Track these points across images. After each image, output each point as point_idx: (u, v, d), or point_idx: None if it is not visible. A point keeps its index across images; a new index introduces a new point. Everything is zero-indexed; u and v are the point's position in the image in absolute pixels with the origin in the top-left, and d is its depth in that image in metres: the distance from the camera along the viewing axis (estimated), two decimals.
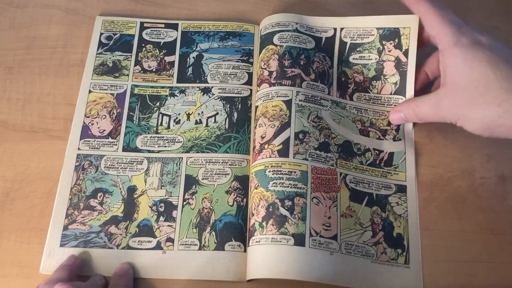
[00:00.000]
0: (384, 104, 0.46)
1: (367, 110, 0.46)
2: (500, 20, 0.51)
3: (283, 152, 0.42)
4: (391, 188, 0.43)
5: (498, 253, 0.41)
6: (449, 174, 0.44)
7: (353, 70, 0.47)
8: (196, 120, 0.46)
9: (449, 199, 0.43)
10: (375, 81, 0.47)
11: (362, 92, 0.46)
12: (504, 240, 0.41)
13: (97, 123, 0.46)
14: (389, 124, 0.45)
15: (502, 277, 0.40)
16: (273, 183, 0.41)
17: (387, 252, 0.40)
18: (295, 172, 0.42)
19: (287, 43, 0.47)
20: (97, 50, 0.49)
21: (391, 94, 0.46)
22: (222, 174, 0.44)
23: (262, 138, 0.43)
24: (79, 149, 0.45)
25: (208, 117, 0.46)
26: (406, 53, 0.46)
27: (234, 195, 0.43)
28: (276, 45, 0.47)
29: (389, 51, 0.47)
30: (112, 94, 0.47)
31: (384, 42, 0.47)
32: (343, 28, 0.48)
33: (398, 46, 0.47)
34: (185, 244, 0.41)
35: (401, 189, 0.43)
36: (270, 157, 0.42)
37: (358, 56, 0.47)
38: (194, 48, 0.49)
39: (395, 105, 0.46)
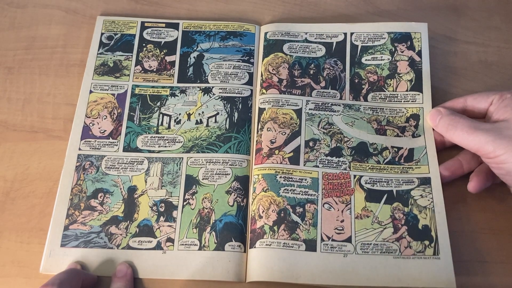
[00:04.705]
0: (401, 101, 0.46)
1: (383, 109, 0.46)
2: (500, 20, 0.52)
3: (294, 159, 0.43)
4: (414, 182, 0.42)
5: (498, 253, 0.41)
6: None
7: (366, 70, 0.47)
8: (196, 120, 0.46)
9: (449, 199, 0.43)
10: (389, 79, 0.47)
11: (377, 92, 0.46)
12: (504, 240, 0.41)
13: (98, 123, 0.46)
14: (407, 120, 0.45)
15: (502, 277, 0.40)
16: (285, 189, 0.42)
17: (412, 245, 0.40)
18: (305, 180, 0.42)
19: (297, 54, 0.48)
20: (98, 50, 0.49)
21: (407, 91, 0.46)
22: (223, 174, 0.44)
23: (272, 143, 0.44)
24: (79, 149, 0.45)
25: (209, 117, 0.46)
26: (419, 54, 0.47)
27: (234, 195, 0.43)
28: (286, 54, 0.48)
29: (402, 52, 0.48)
30: (113, 95, 0.47)
31: (396, 44, 0.48)
32: (353, 32, 0.49)
33: (411, 47, 0.48)
34: (185, 244, 0.41)
35: (425, 181, 0.42)
36: (281, 163, 0.43)
37: (370, 57, 0.48)
38: (195, 48, 0.49)
39: (412, 101, 0.46)
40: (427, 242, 0.40)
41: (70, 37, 0.51)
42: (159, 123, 0.46)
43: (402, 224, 0.41)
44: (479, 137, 0.37)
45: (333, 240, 0.40)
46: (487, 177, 0.41)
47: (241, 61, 0.49)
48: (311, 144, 0.44)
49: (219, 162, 0.44)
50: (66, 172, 0.43)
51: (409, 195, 0.42)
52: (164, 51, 0.49)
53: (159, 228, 0.42)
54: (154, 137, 0.45)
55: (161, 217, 0.42)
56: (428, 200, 0.41)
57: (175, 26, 0.51)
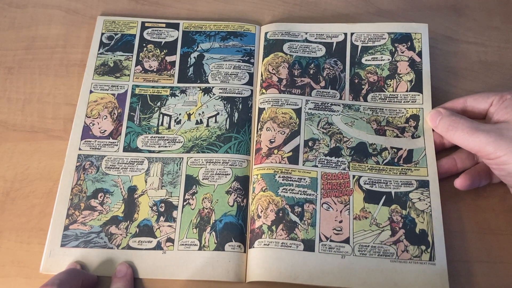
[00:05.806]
0: (401, 102, 0.46)
1: (382, 109, 0.46)
2: (500, 20, 0.52)
3: (293, 159, 0.43)
4: (412, 184, 0.42)
5: (498, 253, 0.41)
6: None
7: (366, 71, 0.47)
8: (196, 120, 0.46)
9: (449, 199, 0.43)
10: (389, 80, 0.47)
11: (377, 92, 0.46)
12: (504, 240, 0.41)
13: (98, 123, 0.46)
14: (407, 121, 0.45)
15: (502, 277, 0.40)
16: (283, 189, 0.42)
17: (409, 250, 0.40)
18: (304, 179, 0.42)
19: (297, 53, 0.48)
20: (98, 50, 0.49)
21: (407, 91, 0.46)
22: (223, 174, 0.44)
23: (271, 142, 0.44)
24: (80, 149, 0.45)
25: (209, 117, 0.46)
26: (419, 54, 0.47)
27: (234, 195, 0.43)
28: (286, 54, 0.48)
29: (402, 52, 0.47)
30: (113, 94, 0.47)
31: (396, 45, 0.48)
32: (353, 33, 0.49)
33: (411, 48, 0.47)
34: (185, 244, 0.41)
35: (423, 184, 0.42)
36: (280, 162, 0.43)
37: (370, 57, 0.48)
38: (195, 48, 0.49)
39: (412, 102, 0.45)
40: (423, 247, 0.40)
41: (70, 37, 0.51)
42: (159, 123, 0.46)
43: (399, 227, 0.41)
44: (480, 138, 0.37)
45: (331, 240, 0.40)
46: (479, 177, 0.41)
47: (241, 61, 0.49)
48: (310, 143, 0.44)
49: (219, 162, 0.44)
50: (66, 172, 0.43)
51: (407, 197, 0.42)
52: (165, 51, 0.49)
53: (159, 228, 0.42)
54: (154, 137, 0.45)
55: (161, 217, 0.42)
56: (426, 204, 0.41)
57: (176, 26, 0.51)
